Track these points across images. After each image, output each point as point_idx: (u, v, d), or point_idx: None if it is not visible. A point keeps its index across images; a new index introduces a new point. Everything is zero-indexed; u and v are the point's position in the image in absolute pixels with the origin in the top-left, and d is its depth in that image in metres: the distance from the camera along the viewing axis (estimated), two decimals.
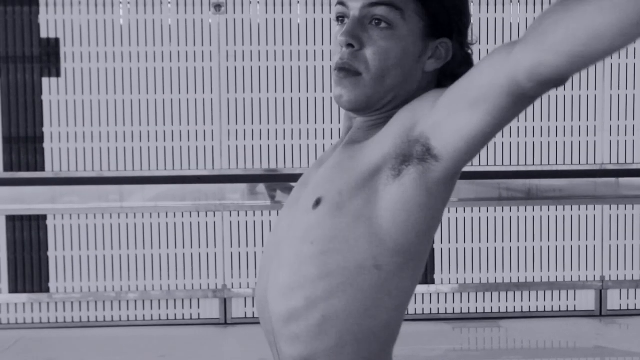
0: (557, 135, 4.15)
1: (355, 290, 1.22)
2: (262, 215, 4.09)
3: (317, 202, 1.25)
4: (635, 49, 4.19)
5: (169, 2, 3.99)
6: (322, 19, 4.04)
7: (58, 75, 3.95)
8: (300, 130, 4.06)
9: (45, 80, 3.95)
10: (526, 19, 4.17)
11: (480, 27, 4.12)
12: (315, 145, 4.07)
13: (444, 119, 1.13)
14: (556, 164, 4.15)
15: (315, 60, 4.04)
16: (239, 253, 4.09)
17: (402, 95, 1.28)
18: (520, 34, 4.13)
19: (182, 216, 4.05)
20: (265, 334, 1.34)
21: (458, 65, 1.29)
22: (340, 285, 1.22)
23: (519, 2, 4.16)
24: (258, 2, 4.03)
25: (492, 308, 4.23)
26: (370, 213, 1.21)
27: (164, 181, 3.99)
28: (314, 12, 4.04)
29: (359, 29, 1.24)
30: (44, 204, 3.97)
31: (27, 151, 3.97)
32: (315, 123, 4.06)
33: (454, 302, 4.20)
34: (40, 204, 3.97)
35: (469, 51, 1.31)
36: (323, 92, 4.06)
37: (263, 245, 4.06)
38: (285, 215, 1.35)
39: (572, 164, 4.16)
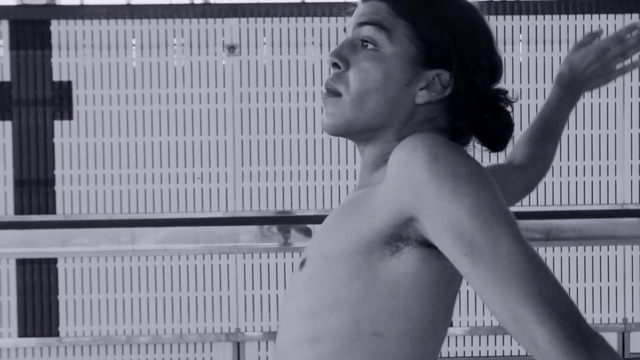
0: (576, 175, 4.06)
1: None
2: (275, 257, 4.01)
3: (302, 264, 1.15)
4: None
5: (182, 44, 3.96)
6: None
7: (70, 117, 3.92)
8: (315, 171, 3.99)
9: (57, 122, 3.93)
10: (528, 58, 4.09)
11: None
12: (331, 186, 3.99)
13: (447, 253, 1.04)
14: (576, 203, 4.05)
15: None
16: (252, 296, 4.01)
17: (393, 126, 1.18)
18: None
19: (195, 258, 3.98)
20: None
21: (468, 106, 1.17)
22: (332, 354, 1.09)
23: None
24: (272, 44, 3.98)
25: (503, 351, 4.10)
26: (365, 274, 1.09)
27: (176, 223, 3.94)
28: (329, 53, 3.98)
29: (348, 50, 1.18)
30: (54, 247, 3.92)
31: (38, 194, 3.93)
32: (331, 164, 3.99)
33: (464, 345, 4.09)
34: (50, 247, 3.92)
35: (494, 93, 1.19)
36: None
37: (277, 288, 3.98)
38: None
39: (592, 203, 4.07)
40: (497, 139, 1.22)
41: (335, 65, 1.18)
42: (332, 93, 1.17)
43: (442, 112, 1.18)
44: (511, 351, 4.09)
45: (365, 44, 1.16)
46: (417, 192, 1.04)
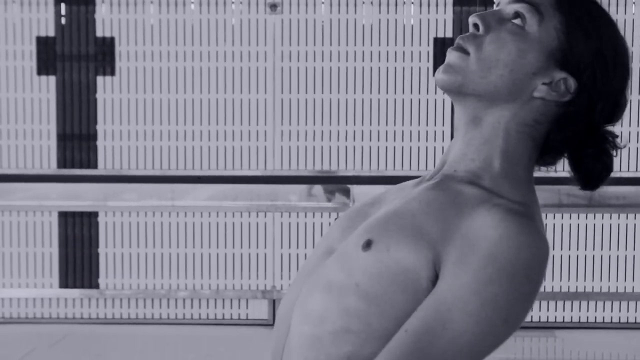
0: (621, 140, 3.94)
1: None
2: (313, 217, 3.98)
3: (368, 244, 1.11)
4: None
5: (232, 2, 3.91)
6: (388, 20, 3.91)
7: (112, 73, 3.91)
8: (355, 132, 3.94)
9: (100, 78, 3.92)
10: None
11: None
12: (370, 147, 3.94)
13: None
14: (620, 170, 3.94)
15: (372, 61, 3.91)
16: (289, 254, 3.98)
17: (501, 106, 1.13)
18: None
19: (233, 216, 3.96)
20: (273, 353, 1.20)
21: (576, 125, 1.14)
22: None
23: None
24: (317, 2, 3.92)
25: (547, 317, 4.03)
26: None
27: (217, 181, 3.92)
28: (379, 13, 3.91)
29: (494, 18, 1.14)
30: (96, 201, 3.94)
31: (80, 149, 3.94)
32: (370, 124, 3.93)
33: None
34: (92, 201, 3.94)
35: (605, 132, 1.15)
36: (379, 93, 3.92)
37: (313, 247, 3.96)
38: (334, 240, 1.21)
39: (637, 170, 3.95)
40: (591, 179, 1.17)
41: (475, 26, 1.14)
42: (461, 49, 1.13)
43: (548, 119, 1.14)
44: (555, 317, 4.03)
45: (514, 17, 1.13)
46: (460, 234, 1.08)
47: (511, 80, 1.12)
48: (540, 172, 1.20)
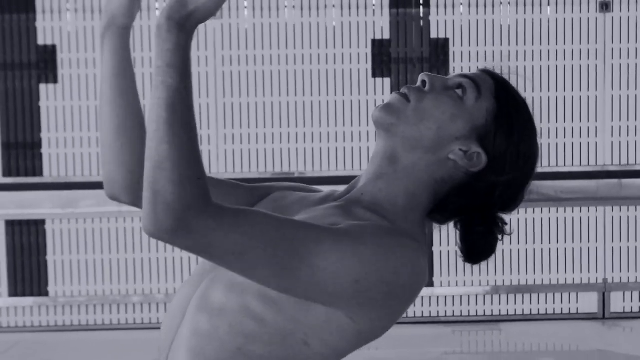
0: (557, 137, 4.00)
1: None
2: None
3: None
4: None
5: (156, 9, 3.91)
6: (318, 23, 3.93)
7: (55, 81, 3.90)
8: (297, 133, 3.96)
9: (42, 86, 3.90)
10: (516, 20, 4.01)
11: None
12: (312, 148, 3.96)
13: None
14: (557, 165, 4.00)
15: (311, 64, 3.94)
16: None
17: (416, 156, 1.22)
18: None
19: None
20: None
21: (475, 199, 1.23)
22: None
23: (509, 3, 4.02)
24: (253, 7, 3.93)
25: (492, 311, 4.07)
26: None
27: None
28: (310, 17, 3.93)
29: (441, 81, 1.25)
30: (43, 209, 3.92)
31: (25, 157, 3.92)
32: (328, 126, 3.95)
33: (453, 304, 4.06)
34: (39, 209, 3.92)
35: (499, 217, 1.24)
36: (320, 95, 3.95)
37: None
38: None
39: (573, 165, 4.01)
40: (474, 254, 1.26)
41: (423, 82, 1.25)
42: (404, 96, 1.24)
43: (454, 182, 1.24)
44: (500, 310, 4.07)
45: (457, 89, 1.24)
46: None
47: (436, 135, 1.22)
48: None
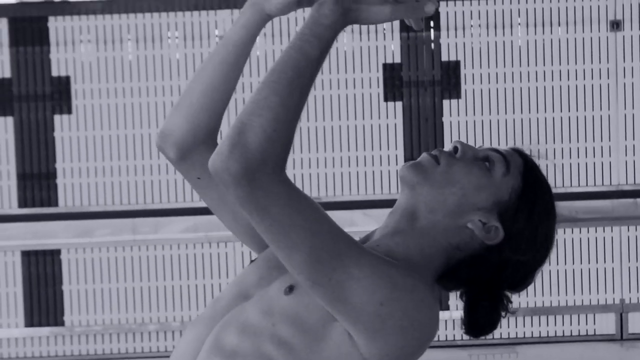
0: (570, 157, 3.98)
1: None
2: None
3: (291, 289, 1.19)
4: None
5: (177, 37, 3.94)
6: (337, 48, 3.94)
7: (69, 112, 3.93)
8: (309, 159, 3.96)
9: (57, 117, 3.93)
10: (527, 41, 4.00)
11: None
12: (333, 173, 3.96)
13: None
14: (571, 185, 3.98)
15: (322, 89, 3.94)
16: None
17: (436, 219, 1.23)
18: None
19: (194, 247, 3.96)
20: None
21: (485, 273, 1.24)
22: None
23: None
24: (264, 34, 3.94)
25: (508, 334, 4.04)
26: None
27: (175, 213, 3.93)
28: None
29: (472, 150, 1.27)
30: (59, 239, 3.93)
31: (40, 187, 3.94)
32: (333, 152, 3.95)
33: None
34: (55, 239, 3.94)
35: (506, 295, 1.27)
36: (332, 120, 3.95)
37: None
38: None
39: (587, 185, 3.99)
40: (476, 328, 1.30)
41: (455, 148, 1.27)
42: (435, 158, 1.25)
43: (467, 251, 1.25)
44: (516, 333, 4.04)
45: (486, 162, 1.25)
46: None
47: (459, 202, 1.23)
48: None
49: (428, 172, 1.23)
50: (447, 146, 1.27)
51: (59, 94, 3.92)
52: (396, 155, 3.95)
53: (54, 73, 3.92)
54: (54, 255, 3.96)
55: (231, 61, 1.31)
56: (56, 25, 3.92)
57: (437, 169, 1.23)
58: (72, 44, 3.91)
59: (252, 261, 1.34)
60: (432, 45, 3.95)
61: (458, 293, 1.28)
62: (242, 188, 1.03)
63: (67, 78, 3.92)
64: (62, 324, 3.97)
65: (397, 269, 1.13)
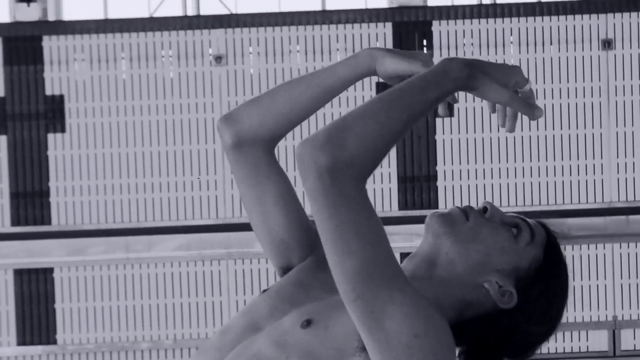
0: (562, 175, 3.99)
1: None
2: (267, 262, 3.98)
3: (308, 323, 1.20)
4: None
5: (170, 56, 3.95)
6: (322, 67, 3.95)
7: (63, 130, 3.93)
8: None
9: (50, 136, 3.93)
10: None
11: None
12: None
13: None
14: (563, 203, 3.98)
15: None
16: (244, 301, 3.98)
17: (453, 275, 1.24)
18: None
19: (187, 265, 3.95)
20: None
21: (491, 335, 1.26)
22: None
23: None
24: (258, 53, 3.96)
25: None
26: None
27: (169, 231, 3.92)
28: (314, 61, 3.96)
29: (501, 215, 1.29)
30: (51, 257, 3.93)
31: (34, 205, 3.94)
32: None
33: None
34: (48, 257, 3.93)
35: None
36: None
37: None
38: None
39: (579, 202, 3.99)
40: None
41: (485, 208, 1.29)
42: (465, 213, 1.28)
43: (478, 310, 1.26)
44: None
45: (513, 228, 1.28)
46: None
47: (481, 260, 1.25)
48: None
49: (456, 225, 1.25)
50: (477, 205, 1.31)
51: (53, 113, 3.92)
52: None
53: (48, 92, 3.92)
54: (46, 273, 3.94)
55: (327, 90, 1.36)
56: (50, 44, 3.93)
57: (465, 224, 1.25)
58: (66, 62, 3.92)
59: (263, 291, 1.34)
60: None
61: (457, 352, 1.28)
62: (322, 180, 1.04)
63: (61, 97, 3.92)
64: (54, 342, 3.95)
65: (432, 307, 1.14)
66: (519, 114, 1.22)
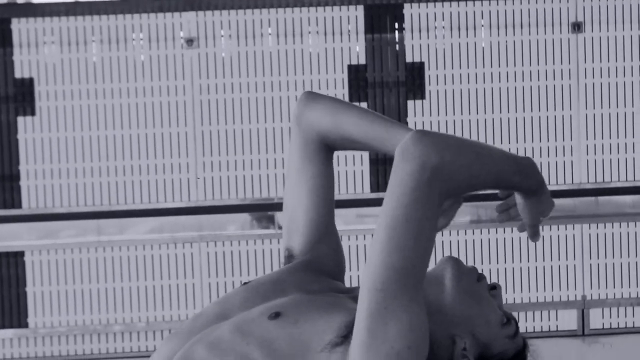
0: (532, 156, 4.00)
1: None
2: (239, 245, 3.97)
3: (276, 315, 1.19)
4: (609, 67, 4.04)
5: (141, 39, 3.91)
6: (294, 50, 3.94)
7: (33, 114, 3.89)
8: (275, 160, 3.95)
9: (20, 119, 3.89)
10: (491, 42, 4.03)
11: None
12: None
13: None
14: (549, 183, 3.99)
15: (288, 90, 3.94)
16: (217, 283, 3.97)
17: (435, 309, 1.28)
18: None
19: (160, 248, 3.94)
20: None
21: None
22: None
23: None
24: (230, 36, 3.93)
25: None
26: None
27: (140, 214, 3.90)
28: (285, 44, 3.94)
29: (502, 301, 1.35)
30: (22, 241, 3.89)
31: (3, 189, 3.90)
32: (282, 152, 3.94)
33: None
34: (18, 241, 3.90)
35: None
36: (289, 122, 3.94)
37: (248, 275, 3.95)
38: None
39: (549, 184, 4.01)
40: None
41: (494, 286, 1.36)
42: (480, 275, 1.36)
43: (432, 353, 1.25)
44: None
45: (506, 317, 1.33)
46: None
47: (467, 318, 1.29)
48: None
49: (467, 276, 1.30)
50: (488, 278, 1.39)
51: (23, 96, 3.88)
52: (361, 155, 3.96)
53: (17, 75, 3.88)
54: (17, 257, 3.91)
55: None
56: (19, 26, 3.88)
57: (475, 282, 1.30)
58: (36, 45, 3.87)
59: (244, 284, 1.34)
60: (397, 46, 3.96)
61: None
62: (422, 174, 1.13)
63: (31, 80, 3.88)
64: (25, 325, 3.93)
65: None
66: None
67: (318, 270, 1.37)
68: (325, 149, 1.45)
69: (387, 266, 1.10)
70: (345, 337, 1.15)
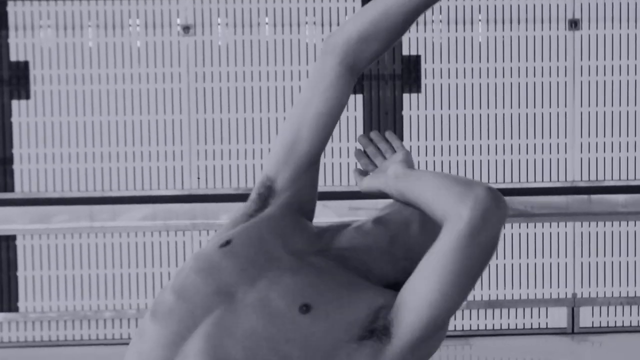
0: (527, 153, 4.00)
1: None
2: None
3: (307, 308, 1.17)
4: (605, 66, 4.04)
5: (138, 25, 3.89)
6: (291, 40, 3.92)
7: (27, 97, 3.86)
8: (269, 150, 3.94)
9: (15, 102, 3.86)
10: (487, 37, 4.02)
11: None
12: None
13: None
14: (527, 181, 4.00)
15: (284, 80, 3.92)
16: None
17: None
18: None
19: (152, 235, 3.92)
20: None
21: None
22: None
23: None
24: (226, 24, 3.91)
25: (462, 326, 4.06)
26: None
27: (134, 201, 3.88)
28: (282, 33, 3.92)
29: None
30: (14, 224, 3.87)
31: None
32: (269, 143, 3.93)
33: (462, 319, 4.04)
34: (10, 224, 3.87)
35: None
36: (285, 112, 3.92)
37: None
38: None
39: (543, 181, 4.01)
40: None
41: None
42: None
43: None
44: (470, 326, 4.05)
45: None
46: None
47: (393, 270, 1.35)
48: None
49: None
50: None
51: (17, 79, 3.85)
52: (355, 148, 3.94)
53: (13, 58, 3.85)
54: (9, 240, 3.89)
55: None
56: (15, 9, 3.85)
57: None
58: (32, 29, 3.85)
59: (220, 246, 1.26)
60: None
61: None
62: (497, 229, 1.22)
63: (26, 63, 3.85)
64: (16, 310, 3.91)
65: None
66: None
67: (296, 211, 1.34)
68: (351, 73, 1.40)
69: (451, 313, 1.21)
70: (371, 331, 1.16)
